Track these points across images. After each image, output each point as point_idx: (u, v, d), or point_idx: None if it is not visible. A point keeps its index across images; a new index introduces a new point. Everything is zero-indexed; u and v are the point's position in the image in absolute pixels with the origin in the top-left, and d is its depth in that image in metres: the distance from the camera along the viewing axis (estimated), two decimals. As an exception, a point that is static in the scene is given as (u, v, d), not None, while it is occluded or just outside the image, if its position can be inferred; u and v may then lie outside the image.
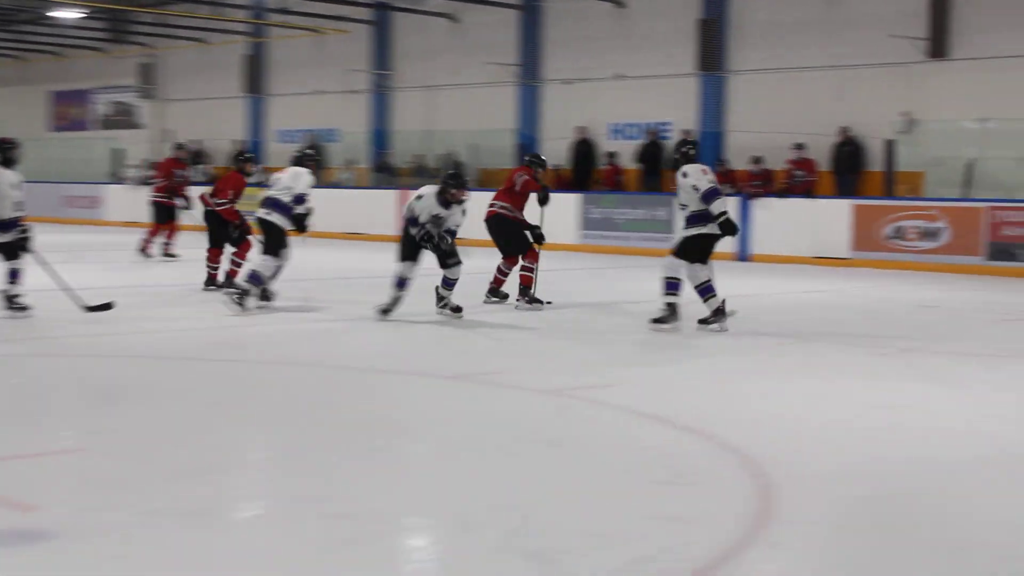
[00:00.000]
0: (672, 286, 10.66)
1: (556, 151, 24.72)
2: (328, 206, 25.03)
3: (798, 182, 20.72)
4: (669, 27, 23.77)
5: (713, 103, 23.18)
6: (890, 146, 20.46)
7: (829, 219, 19.27)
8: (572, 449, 6.19)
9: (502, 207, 12.64)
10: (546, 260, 13.40)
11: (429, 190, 11.07)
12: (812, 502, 5.24)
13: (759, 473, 5.65)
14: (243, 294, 11.34)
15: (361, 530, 4.76)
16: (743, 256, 19.55)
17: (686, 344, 10.23)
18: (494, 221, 12.65)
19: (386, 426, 6.70)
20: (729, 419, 6.91)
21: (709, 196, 10.52)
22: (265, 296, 11.77)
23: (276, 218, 11.72)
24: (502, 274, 12.73)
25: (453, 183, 10.97)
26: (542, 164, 13.05)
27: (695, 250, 10.64)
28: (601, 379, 8.25)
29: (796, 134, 21.18)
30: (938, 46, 20.45)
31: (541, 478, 5.59)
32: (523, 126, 25.91)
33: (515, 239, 12.51)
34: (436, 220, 10.95)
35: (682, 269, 10.65)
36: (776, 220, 19.61)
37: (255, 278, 11.51)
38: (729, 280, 13.25)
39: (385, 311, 11.09)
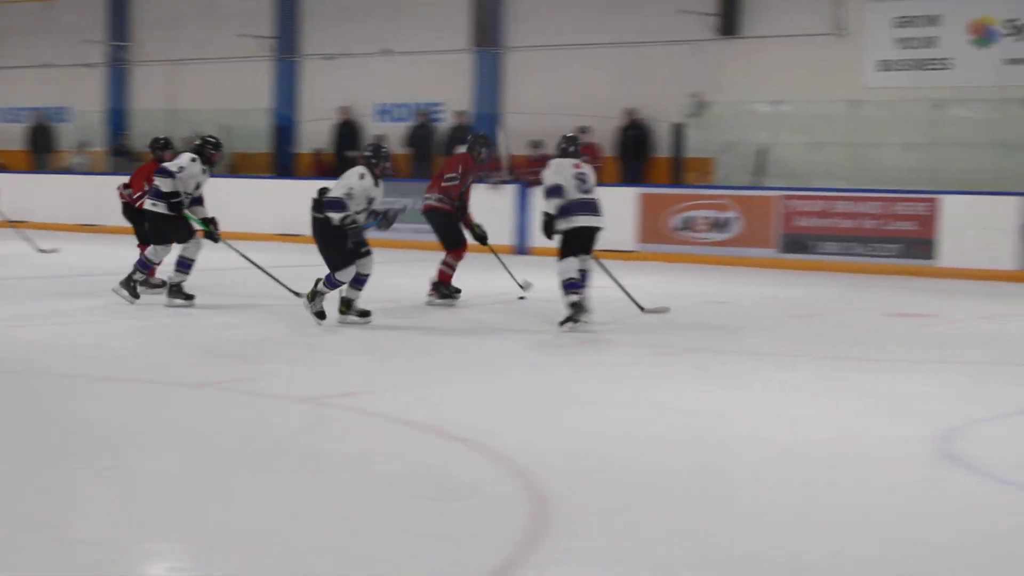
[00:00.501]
0: (571, 286, 10.90)
1: (316, 133, 24.59)
2: (58, 194, 24.52)
3: (581, 168, 21.01)
4: (441, -2, 23.89)
5: (488, 82, 23.37)
6: (678, 130, 20.97)
7: (613, 209, 19.39)
8: (331, 463, 6.14)
9: (438, 199, 12.84)
10: (305, 256, 13.29)
11: (364, 169, 10.87)
12: (590, 515, 5.31)
13: (533, 485, 5.70)
14: (135, 285, 12.02)
15: (97, 557, 4.64)
16: (521, 249, 19.72)
17: (461, 348, 10.29)
18: (430, 215, 12.87)
19: (123, 441, 6.54)
20: (503, 427, 6.96)
21: (547, 193, 11.06)
22: (155, 288, 12.19)
23: (163, 207, 12.02)
24: (449, 268, 12.80)
25: (385, 155, 11.03)
26: (485, 143, 13.17)
27: (575, 243, 10.98)
28: (366, 386, 8.23)
29: (578, 116, 21.45)
30: (728, 23, 21.03)
31: (295, 495, 5.53)
32: (280, 105, 25.67)
33: (451, 232, 12.75)
34: (371, 202, 10.89)
35: (575, 266, 10.93)
36: (558, 210, 19.85)
37: (142, 264, 12.19)
38: (506, 276, 13.36)
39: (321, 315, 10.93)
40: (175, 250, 12.18)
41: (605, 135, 21.46)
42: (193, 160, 12.11)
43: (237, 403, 7.66)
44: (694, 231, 18.90)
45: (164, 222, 12.07)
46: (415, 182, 21.87)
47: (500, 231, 18.28)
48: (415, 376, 8.80)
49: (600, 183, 12.23)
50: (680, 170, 20.92)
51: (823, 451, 6.58)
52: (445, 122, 23.50)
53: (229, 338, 10.41)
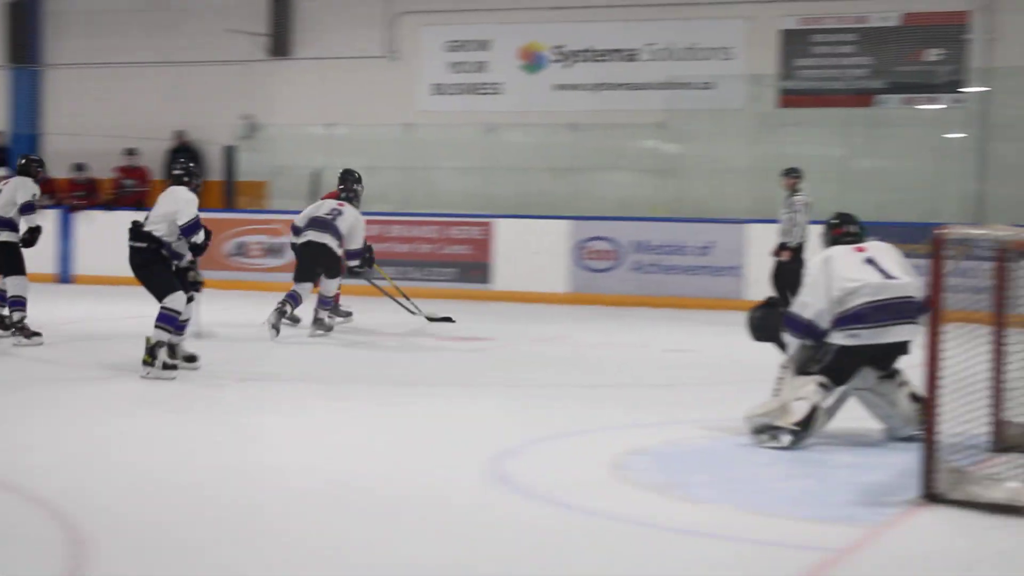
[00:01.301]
0: (324, 304, 13.17)
1: None
2: None
3: (128, 192, 20.57)
4: (-28, 10, 22.90)
5: (26, 101, 22.52)
6: (230, 153, 20.82)
7: (164, 234, 19.23)
8: None
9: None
10: None
11: (188, 188, 10.31)
12: (131, 554, 5.18)
13: (72, 528, 5.51)
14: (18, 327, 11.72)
15: None
16: (65, 277, 19.14)
17: (11, 385, 9.85)
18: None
19: None
20: (46, 468, 6.73)
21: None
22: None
23: (6, 236, 11.80)
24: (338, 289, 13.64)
25: (197, 172, 10.72)
26: (358, 180, 13.89)
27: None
28: None
29: (126, 138, 21.03)
30: (280, 44, 21.04)
31: None
32: None
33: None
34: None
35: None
36: (103, 236, 19.30)
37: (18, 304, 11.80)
38: (49, 304, 12.94)
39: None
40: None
41: (154, 157, 21.04)
42: (35, 183, 11.98)
43: None
44: (247, 257, 18.80)
45: (7, 252, 11.83)
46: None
47: (41, 258, 17.65)
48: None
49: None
50: (232, 194, 20.77)
51: (376, 478, 6.64)
52: (-22, 143, 22.53)
53: None
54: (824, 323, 7.57)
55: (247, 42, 21.02)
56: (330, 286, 13.27)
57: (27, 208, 11.83)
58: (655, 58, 19.67)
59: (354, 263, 13.53)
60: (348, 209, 13.36)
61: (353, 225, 13.30)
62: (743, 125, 19.04)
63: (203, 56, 21.48)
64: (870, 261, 7.67)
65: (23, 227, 11.86)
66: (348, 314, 14.07)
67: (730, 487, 6.57)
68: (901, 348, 7.53)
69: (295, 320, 13.42)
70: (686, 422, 8.34)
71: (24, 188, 11.90)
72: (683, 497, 6.31)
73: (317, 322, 13.21)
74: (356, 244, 13.35)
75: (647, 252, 17.63)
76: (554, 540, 5.55)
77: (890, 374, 7.67)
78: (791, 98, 18.98)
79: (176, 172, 10.58)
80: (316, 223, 13.22)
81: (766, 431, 7.55)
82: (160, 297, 10.06)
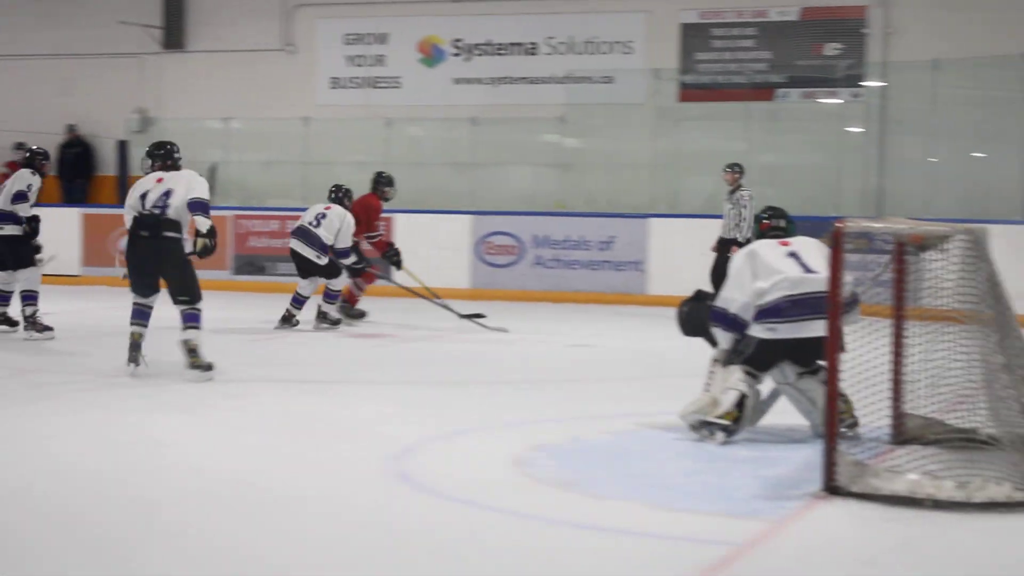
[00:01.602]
0: (330, 297, 13.56)
1: None
2: None
3: (17, 188, 20.31)
4: None
5: (-88, 94, 22.20)
6: (123, 147, 20.62)
7: (56, 231, 18.98)
8: None
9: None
10: None
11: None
12: (27, 553, 5.11)
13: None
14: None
15: None
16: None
17: None
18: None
19: None
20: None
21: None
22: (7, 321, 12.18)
23: (10, 229, 12.02)
24: (359, 289, 14.33)
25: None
26: (390, 182, 14.89)
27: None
28: None
29: (15, 132, 20.75)
30: (174, 36, 20.88)
31: None
32: None
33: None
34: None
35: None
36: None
37: (30, 298, 12.02)
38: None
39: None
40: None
41: (45, 152, 20.80)
42: (34, 174, 12.18)
43: None
44: (142, 253, 18.59)
45: (13, 245, 12.01)
46: None
47: None
48: None
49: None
50: (125, 189, 20.48)
51: (276, 478, 6.59)
52: None
53: None
54: (748, 316, 7.58)
55: (140, 34, 20.85)
56: (335, 283, 13.51)
57: (17, 197, 11.99)
58: (555, 52, 19.77)
59: (346, 261, 13.56)
60: (333, 212, 13.56)
61: (339, 227, 13.46)
62: (644, 119, 19.18)
63: (95, 48, 21.28)
64: (793, 255, 7.68)
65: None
66: (362, 314, 14.38)
67: (633, 482, 6.60)
68: (821, 343, 7.31)
69: (292, 323, 13.48)
70: (589, 417, 8.38)
71: (20, 179, 12.10)
72: (587, 493, 6.33)
73: (321, 316, 13.61)
74: (343, 244, 13.46)
75: (548, 247, 17.69)
76: (457, 538, 5.54)
77: (812, 371, 7.66)
78: (691, 92, 19.16)
79: (177, 156, 10.15)
80: (297, 231, 13.63)
81: (702, 427, 7.59)
82: (195, 301, 9.75)
